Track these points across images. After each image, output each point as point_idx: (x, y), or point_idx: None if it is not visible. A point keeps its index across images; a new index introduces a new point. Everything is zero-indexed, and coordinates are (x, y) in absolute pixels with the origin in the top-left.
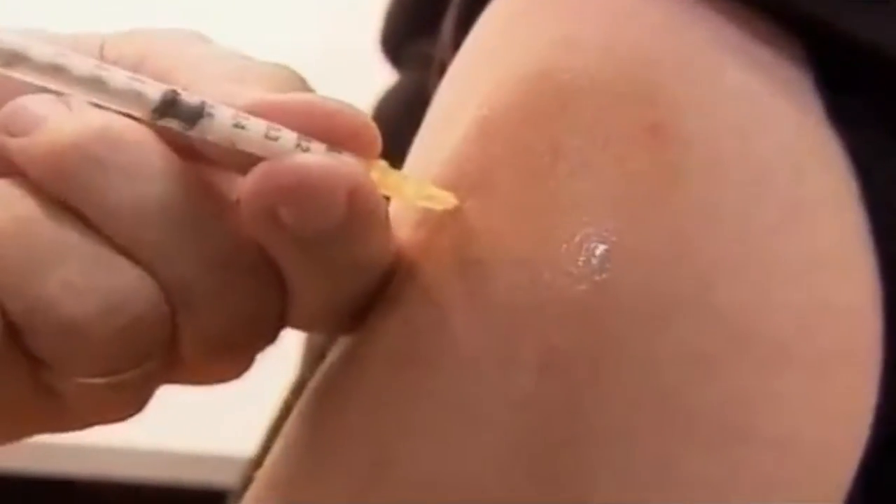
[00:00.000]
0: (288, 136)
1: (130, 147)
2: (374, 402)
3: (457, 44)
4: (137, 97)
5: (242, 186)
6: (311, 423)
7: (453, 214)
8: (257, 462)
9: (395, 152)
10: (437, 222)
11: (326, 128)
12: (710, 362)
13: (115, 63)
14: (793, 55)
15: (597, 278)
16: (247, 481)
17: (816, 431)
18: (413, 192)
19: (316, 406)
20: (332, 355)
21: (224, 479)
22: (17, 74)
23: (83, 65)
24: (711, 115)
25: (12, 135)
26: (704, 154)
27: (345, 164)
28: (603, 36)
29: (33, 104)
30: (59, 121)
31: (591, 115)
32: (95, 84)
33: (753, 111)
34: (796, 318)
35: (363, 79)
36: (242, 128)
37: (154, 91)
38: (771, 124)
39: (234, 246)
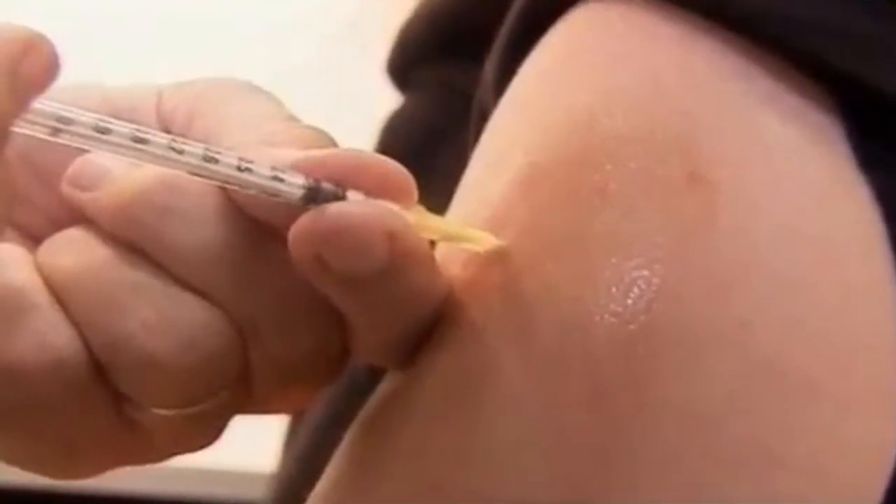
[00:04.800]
0: (324, 188)
1: (191, 195)
2: (427, 433)
3: (499, 89)
4: (178, 156)
5: (290, 235)
6: (364, 451)
7: (502, 255)
8: (283, 483)
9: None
10: (485, 262)
11: (367, 179)
12: (746, 397)
13: (170, 114)
14: (823, 104)
15: (642, 318)
16: (277, 501)
17: (844, 464)
18: (452, 234)
19: (368, 434)
20: (384, 388)
21: (231, 493)
22: (63, 141)
23: (124, 128)
24: (746, 164)
25: (83, 188)
26: (739, 200)
27: (382, 209)
28: (646, 88)
29: (99, 159)
30: (124, 173)
31: (634, 163)
32: (137, 145)
33: (786, 159)
34: (828, 355)
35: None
36: (281, 181)
37: (194, 149)
38: (803, 171)
39: (296, 284)
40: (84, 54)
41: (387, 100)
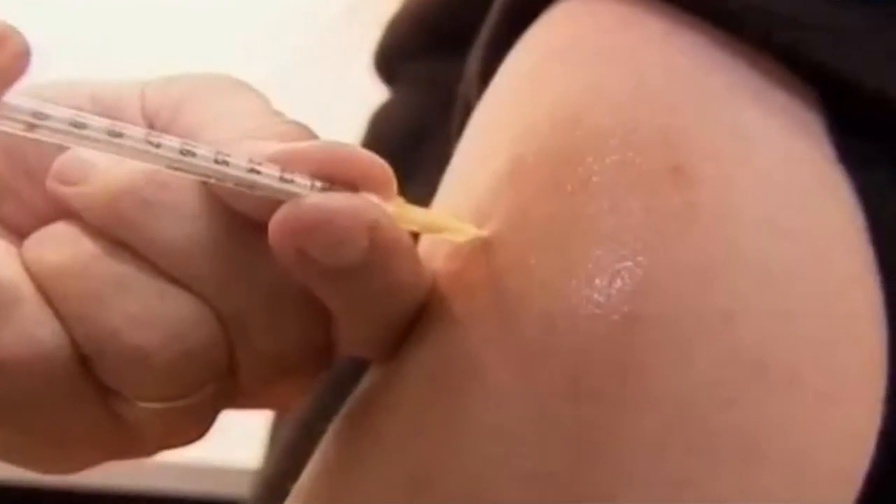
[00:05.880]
0: (302, 181)
1: (176, 189)
2: (410, 425)
3: (483, 83)
4: (156, 150)
5: (269, 228)
6: (349, 443)
7: (485, 247)
8: (268, 476)
9: (396, 174)
10: (469, 255)
11: (345, 171)
12: (728, 388)
13: (155, 110)
14: (806, 100)
15: (626, 310)
16: (263, 495)
17: (826, 455)
18: (432, 225)
19: (352, 426)
20: (368, 380)
21: (220, 489)
22: (38, 136)
23: (100, 123)
24: (729, 157)
25: (68, 183)
26: (722, 194)
27: (362, 201)
28: (630, 83)
29: (84, 154)
30: (109, 168)
31: (619, 157)
32: (113, 139)
33: (769, 153)
34: (810, 348)
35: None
36: (258, 173)
37: (171, 142)
38: (785, 165)
39: (281, 277)
40: (78, 47)
41: (376, 93)
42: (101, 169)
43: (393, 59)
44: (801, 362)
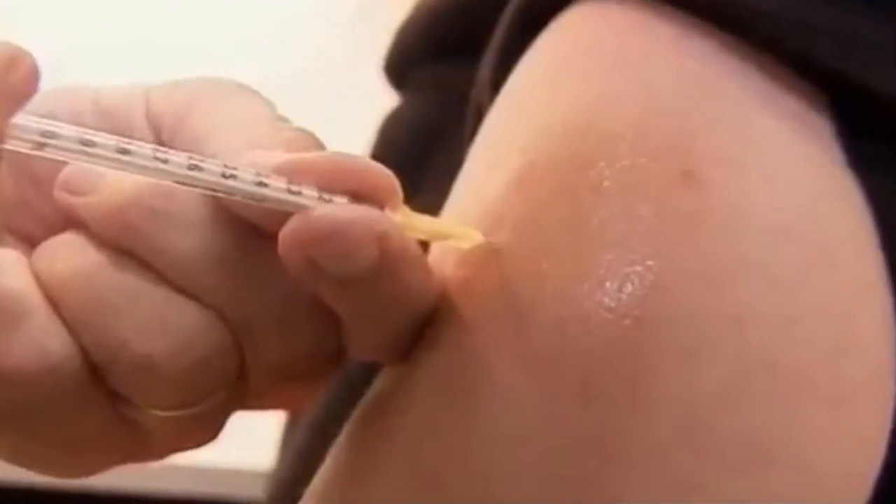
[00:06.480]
0: (309, 192)
1: (184, 199)
2: (422, 427)
3: (495, 88)
4: (163, 165)
5: (279, 239)
6: (361, 446)
7: (497, 252)
8: (281, 479)
9: (407, 180)
10: (480, 260)
11: (351, 182)
12: (738, 392)
13: (160, 115)
14: (816, 104)
15: (637, 314)
16: (276, 498)
17: (836, 459)
18: (439, 232)
19: (364, 430)
20: (380, 383)
21: (230, 491)
22: (47, 155)
23: (109, 140)
24: (739, 163)
25: (76, 193)
26: (732, 199)
27: (370, 211)
28: (640, 88)
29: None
30: (117, 178)
31: (630, 162)
32: (121, 156)
33: (779, 157)
34: (818, 352)
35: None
36: (266, 186)
37: (178, 158)
38: (795, 170)
39: (290, 285)
40: (81, 53)
41: (385, 100)
42: (109, 179)
43: (402, 64)
44: (809, 366)
